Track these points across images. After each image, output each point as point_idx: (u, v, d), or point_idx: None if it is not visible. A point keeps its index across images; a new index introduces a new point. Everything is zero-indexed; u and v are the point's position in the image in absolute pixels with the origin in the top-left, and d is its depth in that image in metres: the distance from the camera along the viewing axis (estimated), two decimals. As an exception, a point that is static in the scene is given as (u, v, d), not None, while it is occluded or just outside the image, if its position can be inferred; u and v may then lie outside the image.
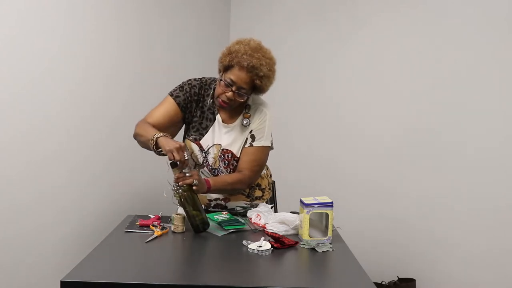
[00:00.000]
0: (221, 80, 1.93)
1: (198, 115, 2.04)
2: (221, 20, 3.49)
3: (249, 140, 2.02)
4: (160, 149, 1.77)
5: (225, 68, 1.92)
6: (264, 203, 2.11)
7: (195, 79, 2.06)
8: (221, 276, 1.43)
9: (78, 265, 1.43)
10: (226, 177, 1.99)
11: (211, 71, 2.03)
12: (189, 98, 2.01)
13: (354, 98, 3.10)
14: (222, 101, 1.93)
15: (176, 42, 3.04)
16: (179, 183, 1.74)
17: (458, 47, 2.77)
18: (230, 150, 2.02)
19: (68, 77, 2.39)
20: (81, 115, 2.47)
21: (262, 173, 2.16)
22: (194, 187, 1.75)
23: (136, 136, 1.95)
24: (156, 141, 1.78)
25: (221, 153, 2.02)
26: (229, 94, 1.90)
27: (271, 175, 2.29)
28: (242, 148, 2.02)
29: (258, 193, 2.14)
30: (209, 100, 2.02)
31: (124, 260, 1.54)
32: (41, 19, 2.25)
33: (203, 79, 2.07)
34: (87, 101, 2.50)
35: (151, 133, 1.81)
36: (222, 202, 2.11)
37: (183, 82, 2.05)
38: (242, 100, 1.95)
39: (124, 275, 1.40)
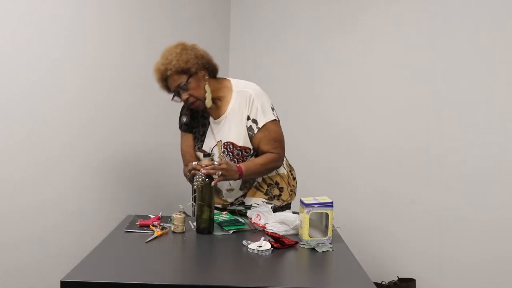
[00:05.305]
0: (173, 98, 2.02)
1: (195, 126, 2.13)
2: (221, 20, 3.49)
3: (254, 126, 2.01)
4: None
5: (167, 88, 2.02)
6: (283, 204, 2.11)
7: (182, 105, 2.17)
8: (221, 276, 1.43)
9: (78, 265, 1.43)
10: (256, 160, 2.02)
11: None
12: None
13: (355, 99, 3.10)
14: (190, 104, 2.01)
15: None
16: (203, 172, 1.81)
17: (464, 54, 2.75)
18: (230, 142, 2.02)
19: (71, 78, 2.39)
20: (83, 117, 2.47)
21: (282, 172, 2.13)
22: (222, 176, 1.86)
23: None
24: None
25: (224, 148, 2.03)
26: (184, 97, 1.98)
27: (294, 178, 2.20)
28: (251, 137, 2.01)
29: (276, 191, 2.11)
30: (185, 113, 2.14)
31: (124, 260, 1.54)
32: (45, 20, 2.25)
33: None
34: (90, 102, 2.50)
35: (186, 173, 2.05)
36: (242, 198, 2.11)
37: (180, 112, 2.19)
38: (198, 90, 1.98)
39: (124, 275, 1.40)
